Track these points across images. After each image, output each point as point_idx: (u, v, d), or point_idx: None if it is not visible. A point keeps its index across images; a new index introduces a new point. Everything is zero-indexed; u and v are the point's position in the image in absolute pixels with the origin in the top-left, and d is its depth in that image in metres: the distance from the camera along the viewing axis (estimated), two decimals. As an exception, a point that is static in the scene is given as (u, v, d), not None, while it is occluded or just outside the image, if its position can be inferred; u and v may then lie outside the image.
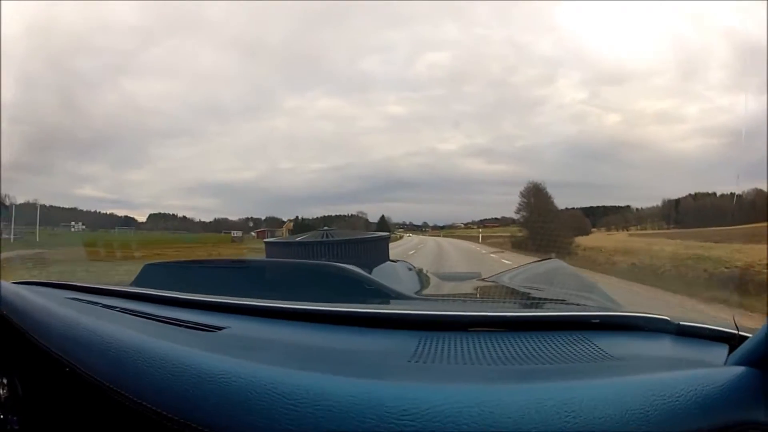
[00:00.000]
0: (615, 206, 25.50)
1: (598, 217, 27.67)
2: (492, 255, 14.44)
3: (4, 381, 0.65)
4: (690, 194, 19.08)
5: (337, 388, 0.50)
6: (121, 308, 0.85)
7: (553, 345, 0.68)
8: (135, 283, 1.26)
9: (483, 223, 35.77)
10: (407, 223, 35.82)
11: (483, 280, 1.77)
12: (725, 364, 0.60)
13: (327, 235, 1.76)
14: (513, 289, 1.50)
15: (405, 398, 0.48)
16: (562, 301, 1.23)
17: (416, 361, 0.63)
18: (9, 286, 0.72)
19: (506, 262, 10.17)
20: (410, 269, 1.72)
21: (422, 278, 1.64)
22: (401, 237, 32.81)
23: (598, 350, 0.67)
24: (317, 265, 1.32)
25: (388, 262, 1.68)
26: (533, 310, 1.00)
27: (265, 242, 1.88)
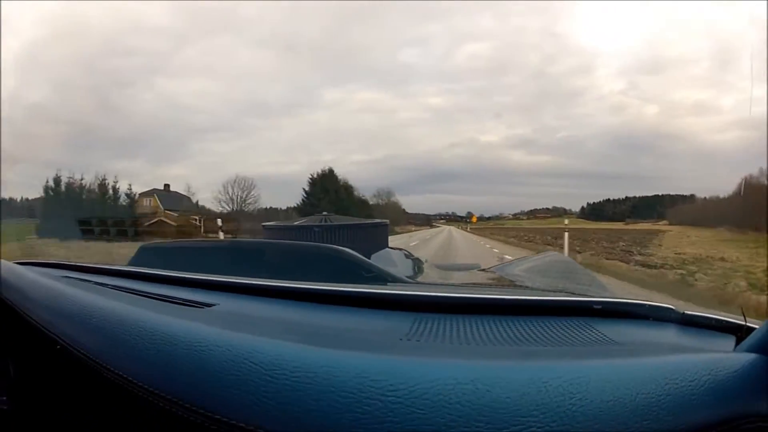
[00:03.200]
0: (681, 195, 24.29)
1: (663, 207, 26.22)
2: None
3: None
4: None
5: (319, 359, 0.48)
6: (113, 285, 0.86)
7: (553, 329, 0.66)
8: (130, 264, 1.26)
9: (534, 214, 34.85)
10: (450, 213, 36.71)
11: (483, 270, 1.78)
12: (733, 352, 0.57)
13: (326, 219, 1.80)
14: (512, 279, 1.50)
15: (392, 372, 0.45)
16: (562, 291, 1.21)
17: (408, 340, 0.61)
18: (7, 264, 0.73)
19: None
20: (408, 257, 1.71)
21: (420, 266, 1.62)
22: (432, 227, 34.64)
23: (601, 335, 0.64)
24: (312, 246, 1.33)
25: (387, 249, 1.68)
26: (533, 295, 0.98)
27: (263, 226, 1.89)
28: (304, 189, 26.26)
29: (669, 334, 0.69)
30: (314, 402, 0.44)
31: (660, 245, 12.94)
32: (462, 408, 0.42)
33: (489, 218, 33.74)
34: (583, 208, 29.20)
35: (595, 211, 28.01)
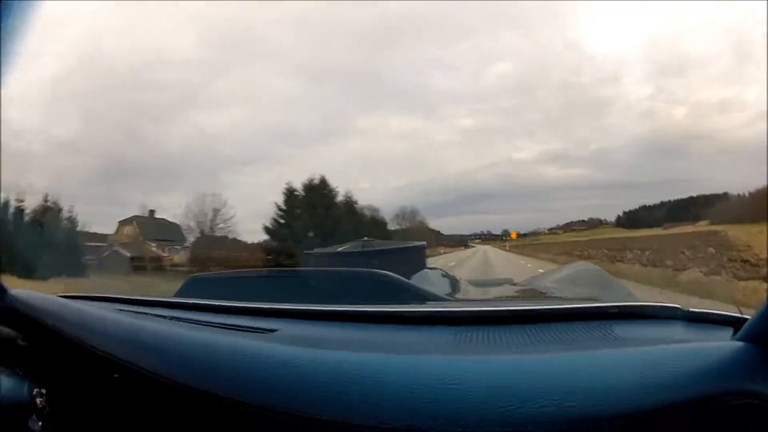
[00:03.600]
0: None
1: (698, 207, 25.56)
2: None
3: (43, 391, 0.63)
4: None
5: (391, 365, 0.56)
6: (171, 317, 0.86)
7: (575, 333, 0.75)
8: (179, 295, 1.28)
9: (570, 227, 34.44)
10: (485, 232, 36.61)
11: (514, 284, 1.91)
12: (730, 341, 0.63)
13: (366, 245, 1.95)
14: (542, 291, 1.61)
15: (448, 370, 0.54)
16: (587, 299, 1.27)
17: (452, 348, 0.71)
18: (54, 299, 0.72)
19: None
20: (444, 276, 1.81)
21: (456, 284, 1.72)
22: (467, 247, 34.51)
23: (614, 335, 0.73)
24: (357, 272, 1.38)
25: (425, 270, 1.78)
26: (559, 304, 1.05)
27: (305, 253, 2.08)
28: (277, 205, 19.51)
29: (675, 331, 0.75)
30: (407, 398, 0.52)
31: (729, 247, 12.29)
32: (503, 398, 0.51)
33: (525, 235, 33.30)
34: (618, 216, 28.89)
35: (631, 219, 27.69)
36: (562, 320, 0.82)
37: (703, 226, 20.82)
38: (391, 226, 25.14)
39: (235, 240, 18.92)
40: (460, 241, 35.89)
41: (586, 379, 0.53)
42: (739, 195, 21.30)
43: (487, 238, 35.55)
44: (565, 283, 1.79)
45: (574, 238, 28.60)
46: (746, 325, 0.62)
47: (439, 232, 32.33)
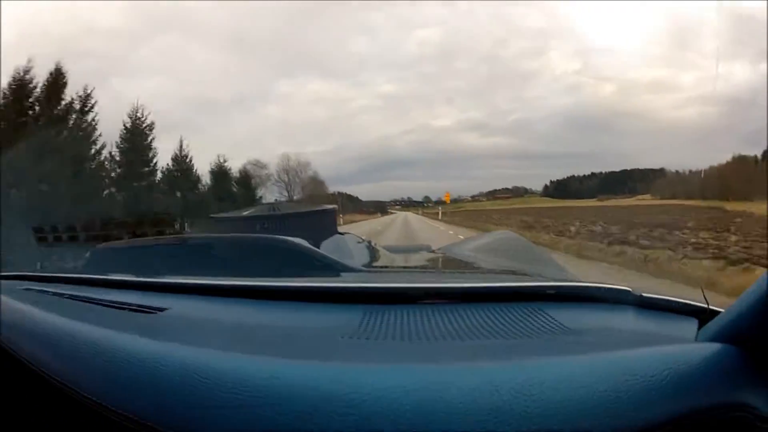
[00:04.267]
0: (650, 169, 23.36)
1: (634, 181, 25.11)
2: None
3: None
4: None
5: (267, 370, 0.46)
6: (70, 295, 0.86)
7: (505, 317, 0.64)
8: (86, 267, 1.30)
9: (494, 195, 33.40)
10: (405, 199, 35.54)
11: (433, 251, 1.77)
12: (696, 339, 0.56)
13: (274, 208, 1.78)
14: (463, 260, 1.49)
15: (342, 381, 0.44)
16: (514, 272, 1.19)
17: (358, 338, 0.60)
18: None
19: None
20: (359, 242, 1.71)
21: (371, 251, 1.64)
22: (386, 213, 33.13)
23: (555, 323, 0.62)
24: (262, 238, 1.31)
25: (336, 235, 1.66)
26: (484, 281, 0.93)
27: (212, 217, 1.88)
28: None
29: (626, 319, 0.66)
30: (259, 417, 0.43)
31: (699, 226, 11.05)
32: (413, 417, 0.41)
33: (446, 202, 31.60)
34: (546, 186, 27.89)
35: (560, 189, 26.37)
36: (489, 300, 0.72)
37: (646, 198, 20.14)
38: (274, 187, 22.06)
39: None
40: (379, 208, 33.85)
41: (524, 401, 0.43)
42: (678, 172, 21.27)
43: (407, 204, 34.54)
44: (487, 251, 1.65)
45: (501, 206, 26.89)
46: (721, 322, 0.54)
47: (357, 198, 31.53)
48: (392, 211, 33.54)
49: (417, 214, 31.10)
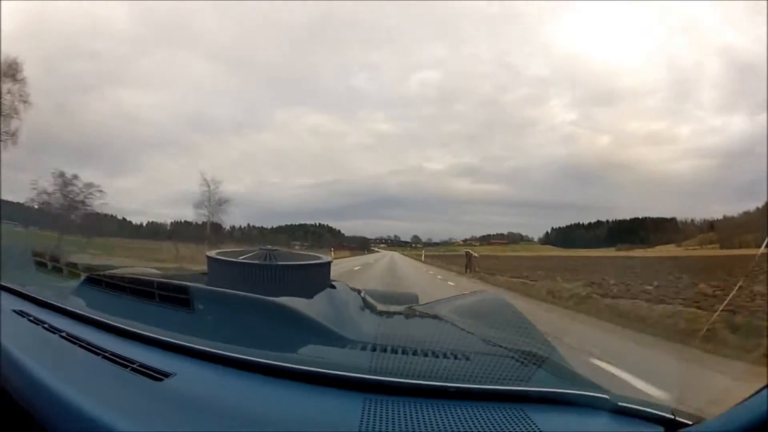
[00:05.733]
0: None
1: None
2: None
3: None
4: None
5: None
6: (68, 334, 0.87)
7: (492, 419, 0.71)
8: (79, 293, 1.33)
9: (487, 240, 31.43)
10: (392, 237, 34.04)
11: (416, 309, 1.80)
12: None
13: (270, 257, 1.74)
14: (448, 319, 1.56)
15: None
16: (501, 347, 1.20)
17: (358, 424, 0.66)
18: None
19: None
20: (349, 293, 1.74)
21: (361, 302, 1.69)
22: (371, 251, 31.59)
23: (537, 429, 0.70)
24: (262, 301, 1.25)
25: (328, 289, 1.66)
26: (473, 378, 0.89)
27: (207, 256, 1.78)
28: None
29: (601, 424, 0.75)
30: None
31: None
32: None
33: (438, 243, 29.54)
34: (547, 233, 25.66)
35: (563, 237, 24.01)
36: (481, 399, 0.79)
37: (671, 249, 18.01)
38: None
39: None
40: (363, 244, 31.39)
41: None
42: (694, 221, 20.44)
43: (394, 243, 32.35)
44: (470, 315, 1.73)
45: (497, 253, 24.10)
46: None
47: (339, 231, 30.24)
48: (376, 249, 31.55)
49: (403, 254, 28.73)
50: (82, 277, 1.56)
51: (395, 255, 27.74)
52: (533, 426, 0.70)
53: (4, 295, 1.05)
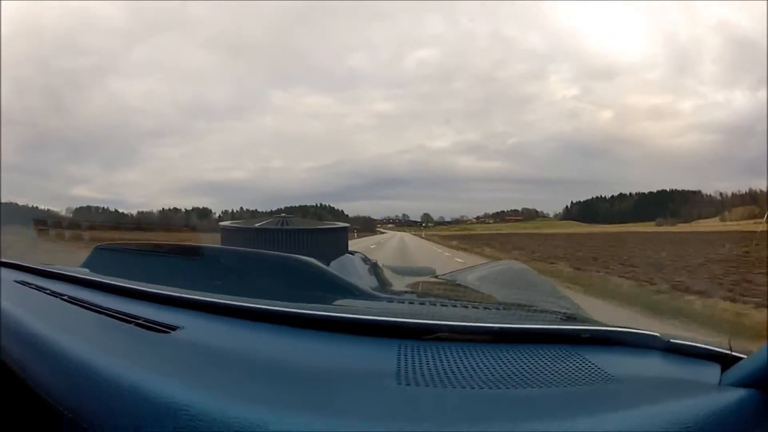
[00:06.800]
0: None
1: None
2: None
3: None
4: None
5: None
6: (70, 297, 0.86)
7: (543, 360, 0.66)
8: (85, 266, 1.23)
9: (501, 217, 30.06)
10: (400, 217, 32.78)
11: (436, 277, 1.76)
12: (719, 383, 0.60)
13: (285, 222, 1.65)
14: (470, 287, 1.49)
15: None
16: (533, 307, 1.12)
17: (400, 384, 0.58)
18: None
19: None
20: (366, 262, 1.68)
21: (379, 272, 1.60)
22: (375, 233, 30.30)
23: (594, 368, 0.65)
24: (278, 256, 1.20)
25: (347, 255, 1.58)
26: (516, 319, 0.90)
27: (221, 226, 1.65)
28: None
29: (655, 363, 0.70)
30: None
31: None
32: None
33: (449, 222, 28.25)
34: (567, 208, 24.30)
35: (586, 211, 22.64)
36: (523, 341, 0.73)
37: (714, 223, 16.95)
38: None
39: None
40: (367, 226, 29.89)
41: None
42: (721, 195, 19.62)
43: (403, 223, 30.97)
44: (492, 282, 1.65)
45: (518, 231, 22.78)
46: (745, 368, 0.58)
47: (342, 212, 29.25)
48: (382, 230, 30.06)
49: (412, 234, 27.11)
50: (87, 246, 1.46)
51: (405, 236, 26.19)
52: (589, 363, 0.66)
53: (5, 270, 1.05)
